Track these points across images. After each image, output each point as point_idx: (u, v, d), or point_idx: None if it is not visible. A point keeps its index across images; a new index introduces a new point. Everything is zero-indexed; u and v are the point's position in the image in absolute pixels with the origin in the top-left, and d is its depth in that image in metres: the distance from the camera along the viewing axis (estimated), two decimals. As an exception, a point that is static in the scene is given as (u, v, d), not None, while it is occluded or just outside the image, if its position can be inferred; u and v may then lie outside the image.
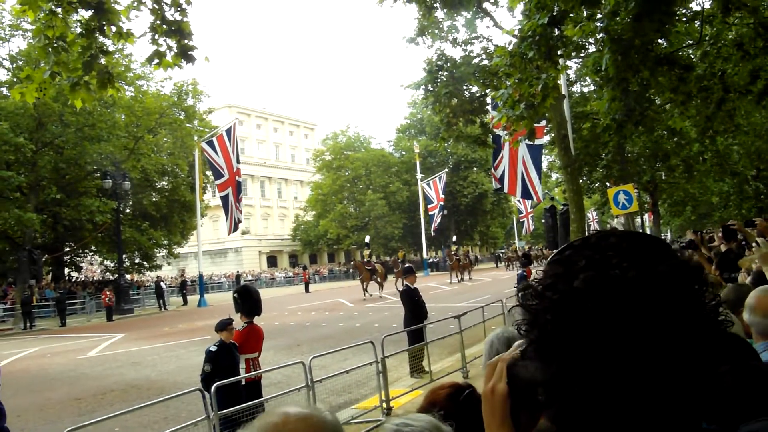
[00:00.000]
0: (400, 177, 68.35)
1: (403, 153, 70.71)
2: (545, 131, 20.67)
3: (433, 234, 54.52)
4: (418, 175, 56.29)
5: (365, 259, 36.51)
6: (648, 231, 59.41)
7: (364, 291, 33.99)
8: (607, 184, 26.15)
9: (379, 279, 34.88)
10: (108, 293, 34.02)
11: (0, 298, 36.45)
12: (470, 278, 44.62)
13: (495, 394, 1.25)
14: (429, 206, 52.35)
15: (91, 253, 49.86)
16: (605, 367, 0.87)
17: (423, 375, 11.33)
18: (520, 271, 19.02)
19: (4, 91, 35.55)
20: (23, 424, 10.28)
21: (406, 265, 15.84)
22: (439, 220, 52.71)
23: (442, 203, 52.12)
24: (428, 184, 52.31)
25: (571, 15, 9.95)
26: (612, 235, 0.98)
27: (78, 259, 49.55)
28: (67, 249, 43.67)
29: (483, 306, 14.17)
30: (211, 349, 7.69)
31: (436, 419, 1.61)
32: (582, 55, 16.25)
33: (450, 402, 2.15)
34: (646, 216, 50.59)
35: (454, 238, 52.15)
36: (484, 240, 75.51)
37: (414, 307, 12.51)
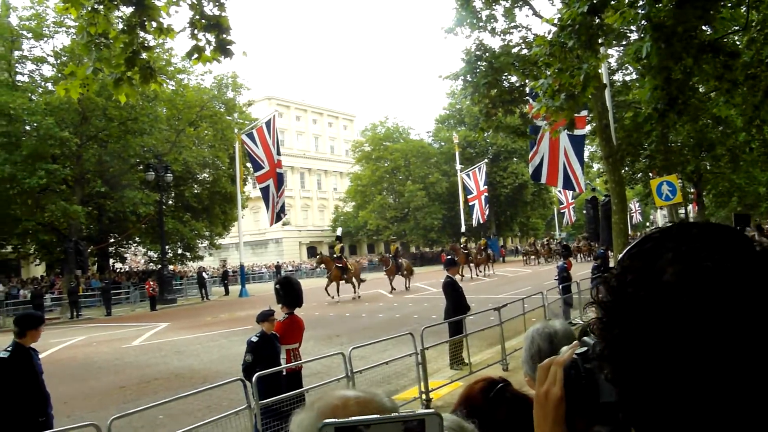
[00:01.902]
0: (439, 168, 68.04)
1: (442, 144, 70.34)
2: (587, 121, 20.39)
3: (476, 224, 53.80)
4: (458, 166, 55.91)
5: (335, 255, 32.14)
6: (692, 222, 58.39)
7: (326, 291, 29.67)
8: (650, 174, 25.72)
9: (354, 279, 30.72)
10: (151, 283, 34.66)
11: (48, 288, 37.36)
12: (484, 274, 41.88)
13: (549, 399, 1.19)
14: (468, 197, 51.95)
15: (135, 244, 50.69)
16: (703, 368, 0.80)
17: (462, 367, 11.32)
18: (560, 263, 18.82)
19: (50, 86, 36.29)
20: (70, 411, 10.52)
21: (448, 257, 15.81)
22: (487, 212, 52.24)
23: (486, 194, 51.64)
24: (467, 175, 51.92)
25: (612, 2, 9.79)
26: (693, 226, 0.92)
27: (122, 250, 50.42)
28: (112, 240, 44.50)
29: (523, 298, 14.08)
30: (252, 339, 7.78)
31: (459, 417, 1.61)
32: (623, 43, 15.98)
33: (482, 396, 2.15)
34: (690, 207, 49.66)
35: (463, 228, 50.59)
36: (524, 231, 74.82)
37: (456, 298, 12.49)
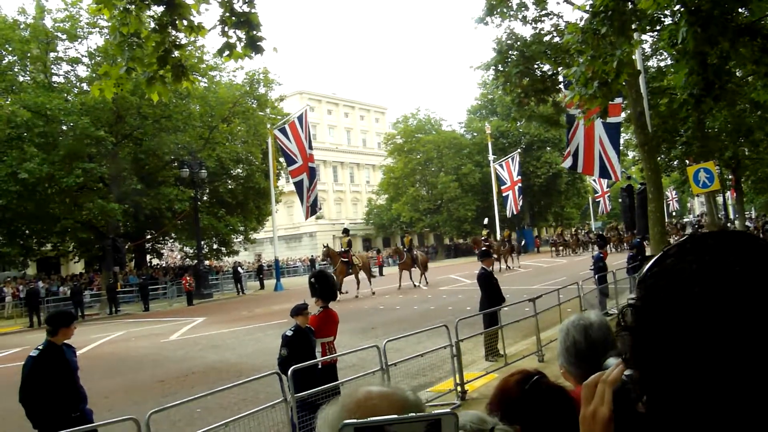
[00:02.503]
0: (472, 159, 67.67)
1: (475, 134, 69.90)
2: (621, 108, 20.14)
3: (509, 216, 53.34)
4: (490, 157, 55.59)
5: (343, 248, 30.62)
6: (731, 209, 57.48)
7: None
8: (687, 161, 25.29)
9: (362, 273, 29.71)
10: (188, 278, 35.09)
11: (87, 284, 38.01)
12: (508, 267, 40.25)
13: (596, 419, 1.13)
14: (502, 187, 51.60)
15: (171, 240, 51.41)
16: (754, 383, 0.78)
17: (498, 358, 11.27)
18: (596, 253, 18.62)
19: (85, 87, 36.86)
20: (111, 405, 10.68)
21: (483, 248, 15.73)
22: (521, 203, 51.83)
23: (520, 185, 51.19)
24: (501, 165, 51.59)
25: (646, -13, 9.63)
26: (708, 236, 0.90)
27: (159, 246, 51.19)
28: (149, 237, 45.16)
29: (558, 288, 13.96)
30: (287, 333, 7.80)
31: (481, 413, 1.60)
32: (657, 28, 15.71)
33: (518, 388, 2.14)
34: (728, 194, 48.84)
35: (485, 221, 49.08)
36: (558, 221, 74.15)
37: (491, 290, 12.43)
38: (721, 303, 0.80)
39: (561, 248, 52.93)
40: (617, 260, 24.47)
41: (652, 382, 0.87)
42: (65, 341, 6.64)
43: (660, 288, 0.88)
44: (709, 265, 0.84)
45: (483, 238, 38.76)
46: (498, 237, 45.83)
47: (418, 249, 42.73)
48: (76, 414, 6.50)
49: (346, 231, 32.16)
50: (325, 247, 31.16)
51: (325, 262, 35.75)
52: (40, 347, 6.43)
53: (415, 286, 30.98)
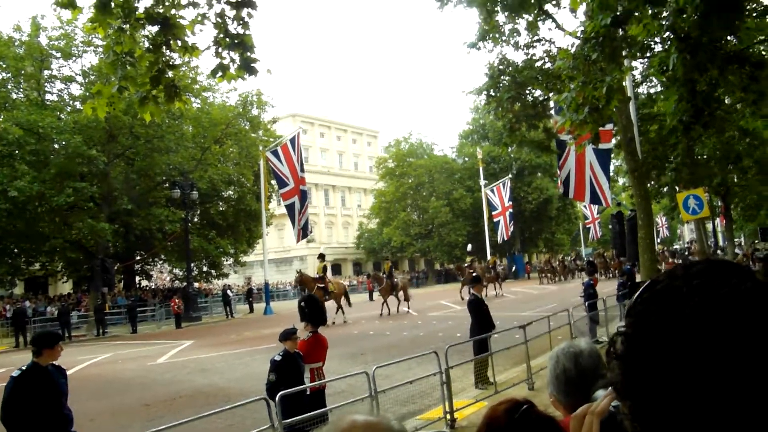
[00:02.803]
0: (463, 183, 67.88)
1: (466, 159, 70.20)
2: (612, 134, 20.25)
3: (500, 241, 53.34)
4: (482, 182, 55.80)
5: (318, 274, 29.22)
6: (720, 236, 57.67)
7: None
8: (677, 188, 25.40)
9: (340, 298, 28.74)
10: (177, 301, 34.79)
11: (75, 305, 37.69)
12: (496, 293, 38.33)
13: None
14: (493, 213, 51.71)
15: (160, 262, 51.16)
16: (753, 407, 0.76)
17: (488, 386, 11.19)
18: (586, 280, 18.60)
19: (78, 105, 36.88)
20: (97, 428, 10.55)
21: (474, 274, 15.70)
22: (512, 228, 51.87)
23: (510, 210, 51.31)
24: (492, 191, 51.75)
25: (636, 14, 9.70)
26: (694, 264, 0.90)
27: (148, 267, 50.92)
28: (138, 258, 44.95)
29: (549, 315, 13.91)
30: (275, 358, 7.73)
31: None
32: (647, 55, 15.84)
33: (507, 418, 2.09)
34: (717, 221, 49.02)
35: (469, 248, 48.39)
36: (549, 247, 74.26)
37: (481, 317, 12.37)
38: (712, 325, 0.79)
39: (549, 275, 52.11)
40: (605, 287, 24.45)
41: (645, 411, 0.84)
42: (53, 362, 6.53)
43: (650, 314, 0.87)
44: (700, 287, 0.83)
45: (467, 264, 38.12)
46: (483, 263, 45.42)
47: (402, 273, 41.82)
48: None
49: (321, 256, 30.51)
50: (298, 272, 29.75)
51: (297, 288, 34.13)
52: (24, 368, 6.34)
53: (388, 313, 29.69)
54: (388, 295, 30.66)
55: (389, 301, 30.60)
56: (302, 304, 8.61)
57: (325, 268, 29.36)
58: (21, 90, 38.22)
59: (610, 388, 1.16)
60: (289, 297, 57.57)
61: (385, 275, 32.01)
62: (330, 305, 27.35)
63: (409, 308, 31.14)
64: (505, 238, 52.05)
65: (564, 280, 51.66)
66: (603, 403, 1.13)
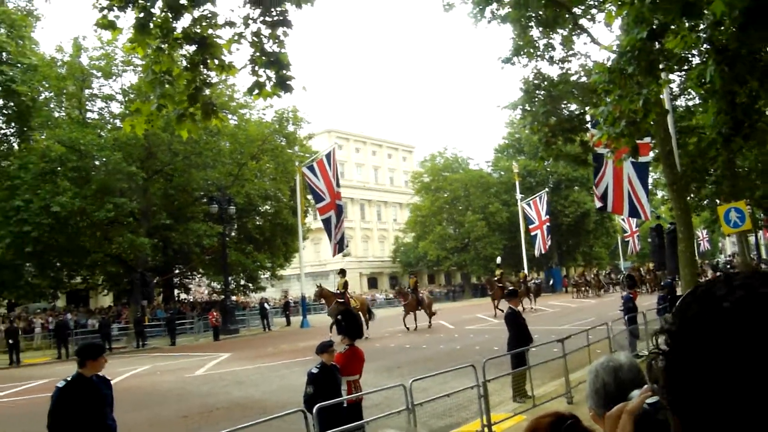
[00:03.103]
0: (499, 197, 67.50)
1: (502, 173, 69.80)
2: (650, 147, 20.04)
3: (538, 254, 52.91)
4: (518, 196, 55.45)
5: (338, 290, 28.92)
6: (763, 249, 56.47)
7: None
8: (717, 201, 25.00)
9: (366, 313, 28.22)
10: (215, 314, 35.11)
11: (115, 317, 38.27)
12: (525, 308, 36.39)
13: None
14: (530, 227, 51.40)
15: (198, 275, 51.68)
16: None
17: (526, 399, 11.12)
18: (626, 293, 18.37)
19: (118, 123, 37.60)
20: (135, 441, 10.68)
21: (510, 288, 15.62)
22: (549, 242, 51.46)
23: (548, 224, 50.93)
24: (528, 204, 51.47)
25: (672, 27, 9.64)
26: (737, 274, 0.92)
27: (187, 281, 51.49)
28: (177, 271, 45.49)
29: (588, 329, 13.79)
30: (312, 371, 7.78)
31: None
32: (685, 68, 15.70)
33: (551, 431, 2.10)
34: (761, 233, 48.07)
35: (498, 260, 47.96)
36: (587, 260, 73.39)
37: (518, 330, 12.31)
38: (754, 320, 0.81)
39: (583, 288, 51.14)
40: (643, 302, 24.12)
41: (685, 405, 0.86)
42: (98, 373, 6.61)
43: (694, 310, 0.89)
44: (740, 287, 0.85)
45: (496, 278, 37.67)
46: (513, 278, 44.45)
47: (426, 289, 41.13)
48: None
49: (342, 272, 30.45)
50: (318, 286, 29.48)
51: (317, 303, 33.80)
52: (68, 378, 6.46)
53: (415, 328, 29.37)
54: (414, 310, 30.62)
55: (416, 315, 30.54)
56: (339, 317, 8.68)
57: (346, 284, 29.24)
58: (63, 108, 39.19)
59: (645, 386, 1.20)
60: (326, 310, 57.52)
61: (410, 290, 31.92)
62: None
63: (431, 323, 30.85)
64: (543, 252, 51.62)
65: (599, 293, 50.76)
66: (636, 402, 1.16)
